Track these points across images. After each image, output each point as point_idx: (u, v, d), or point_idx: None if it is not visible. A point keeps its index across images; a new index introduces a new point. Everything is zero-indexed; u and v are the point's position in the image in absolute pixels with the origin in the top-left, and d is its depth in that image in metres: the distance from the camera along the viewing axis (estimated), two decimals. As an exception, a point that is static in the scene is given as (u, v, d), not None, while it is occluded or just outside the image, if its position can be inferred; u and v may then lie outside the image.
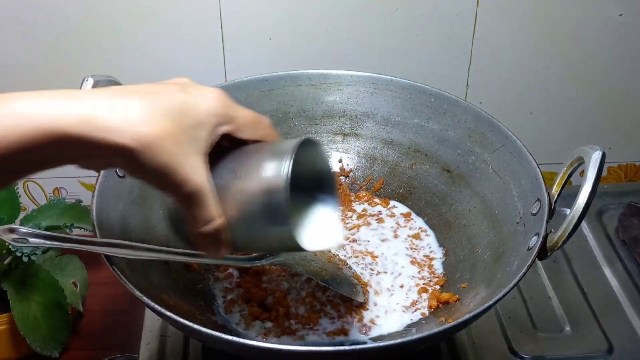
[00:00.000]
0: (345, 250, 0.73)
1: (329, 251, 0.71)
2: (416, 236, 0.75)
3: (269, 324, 0.65)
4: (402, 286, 0.69)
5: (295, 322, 0.65)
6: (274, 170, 0.49)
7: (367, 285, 0.69)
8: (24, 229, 0.55)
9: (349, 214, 0.78)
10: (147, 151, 0.44)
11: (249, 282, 0.69)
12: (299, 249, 0.52)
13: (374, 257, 0.72)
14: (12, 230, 0.55)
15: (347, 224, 0.76)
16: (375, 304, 0.67)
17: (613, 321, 0.76)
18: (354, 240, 0.74)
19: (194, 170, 0.47)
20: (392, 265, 0.71)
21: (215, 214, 0.49)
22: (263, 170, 0.50)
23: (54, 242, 0.56)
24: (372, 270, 0.71)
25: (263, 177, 0.49)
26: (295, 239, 0.51)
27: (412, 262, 0.72)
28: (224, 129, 0.50)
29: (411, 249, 0.73)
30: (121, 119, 0.44)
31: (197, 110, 0.48)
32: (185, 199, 0.48)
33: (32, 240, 0.55)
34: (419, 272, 0.71)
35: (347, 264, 0.70)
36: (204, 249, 0.51)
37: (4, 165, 0.44)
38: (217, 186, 0.49)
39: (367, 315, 0.66)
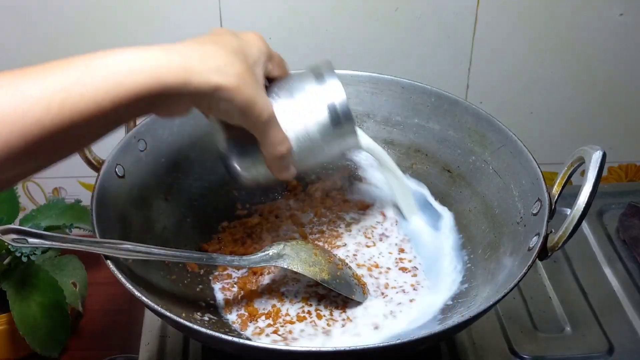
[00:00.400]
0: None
1: (329, 251, 0.71)
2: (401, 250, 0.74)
3: (265, 324, 0.65)
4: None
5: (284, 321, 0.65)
6: (328, 83, 0.61)
7: (366, 285, 0.69)
8: (23, 229, 0.55)
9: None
10: (237, 88, 0.51)
11: (248, 282, 0.69)
12: (357, 145, 0.66)
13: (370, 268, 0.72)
14: (10, 231, 0.55)
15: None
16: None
17: (613, 321, 0.76)
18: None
19: (265, 100, 0.55)
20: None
21: (284, 134, 0.58)
22: (319, 86, 0.61)
23: (54, 242, 0.56)
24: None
25: (320, 90, 0.61)
26: (355, 132, 0.63)
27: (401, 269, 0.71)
28: (269, 66, 0.58)
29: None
30: (211, 64, 0.50)
31: (252, 50, 0.55)
32: (263, 125, 0.55)
33: (31, 240, 0.55)
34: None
35: (346, 263, 0.70)
36: (281, 170, 0.60)
37: (103, 122, 0.47)
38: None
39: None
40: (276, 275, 0.70)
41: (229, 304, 0.67)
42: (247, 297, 0.68)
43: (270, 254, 0.65)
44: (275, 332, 0.64)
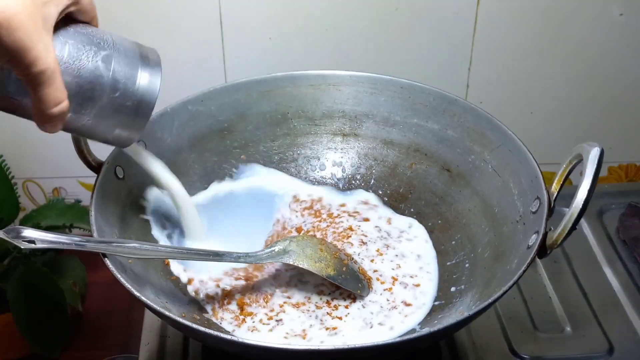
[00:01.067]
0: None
1: (335, 246, 0.71)
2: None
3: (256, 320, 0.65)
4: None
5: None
6: (152, 70, 0.56)
7: (371, 280, 0.68)
8: (30, 231, 0.54)
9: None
10: (6, 26, 0.43)
11: (244, 278, 0.69)
12: (130, 143, 0.58)
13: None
14: (17, 232, 0.53)
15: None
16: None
17: (613, 321, 0.76)
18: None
19: (46, 49, 0.46)
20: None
21: (63, 95, 0.49)
22: (139, 62, 0.55)
23: (61, 243, 0.55)
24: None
25: (138, 66, 0.55)
26: (139, 133, 0.57)
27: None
28: (71, 8, 0.50)
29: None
30: None
31: None
32: (34, 78, 0.46)
33: (39, 242, 0.54)
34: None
35: (352, 257, 0.70)
36: (45, 125, 0.51)
37: None
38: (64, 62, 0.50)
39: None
40: (280, 275, 0.70)
41: (222, 303, 0.67)
42: (241, 296, 0.68)
43: (276, 250, 0.65)
44: (269, 318, 0.64)
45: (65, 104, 0.49)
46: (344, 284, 0.65)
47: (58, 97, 0.48)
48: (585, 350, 0.73)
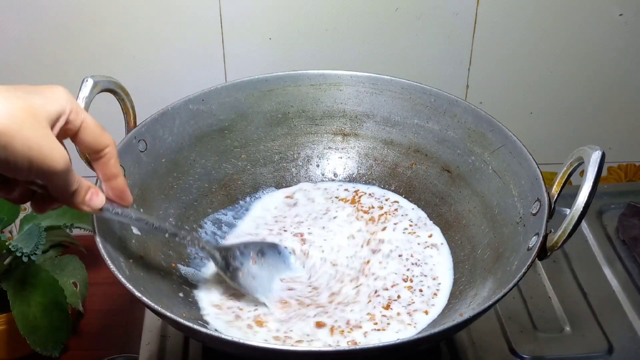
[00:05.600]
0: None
1: None
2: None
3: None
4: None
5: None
6: None
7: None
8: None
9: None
10: (12, 132, 0.44)
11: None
12: None
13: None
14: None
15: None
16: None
17: (613, 321, 0.76)
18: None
19: (58, 146, 0.47)
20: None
21: (83, 183, 0.52)
22: None
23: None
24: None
25: None
26: None
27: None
28: (71, 116, 0.50)
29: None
30: None
31: (45, 94, 0.48)
32: (59, 177, 0.48)
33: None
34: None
35: None
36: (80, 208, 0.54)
37: None
38: None
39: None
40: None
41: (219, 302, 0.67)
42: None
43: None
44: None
45: (98, 202, 0.54)
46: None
47: (92, 203, 0.53)
48: (585, 350, 0.73)
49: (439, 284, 0.69)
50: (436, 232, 0.75)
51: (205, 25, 0.92)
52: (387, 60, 0.96)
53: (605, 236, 0.87)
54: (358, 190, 0.80)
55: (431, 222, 0.76)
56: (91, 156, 0.54)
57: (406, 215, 0.77)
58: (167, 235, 0.62)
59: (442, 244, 0.73)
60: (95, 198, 0.54)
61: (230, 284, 0.66)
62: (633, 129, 1.05)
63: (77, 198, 0.52)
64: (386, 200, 0.78)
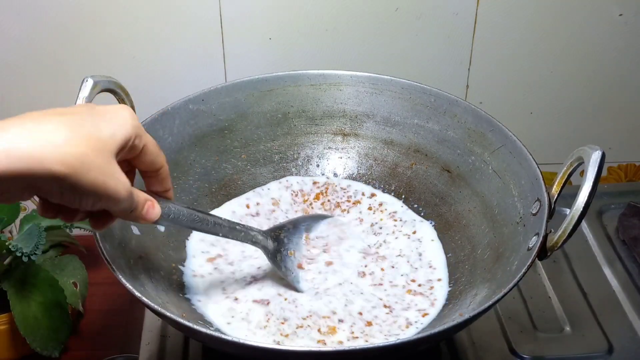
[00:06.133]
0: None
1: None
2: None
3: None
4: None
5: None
6: None
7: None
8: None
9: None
10: (78, 172, 0.43)
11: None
12: None
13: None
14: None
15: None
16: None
17: (613, 321, 0.76)
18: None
19: (119, 176, 0.47)
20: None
21: (145, 196, 0.52)
22: None
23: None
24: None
25: None
26: None
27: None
28: (136, 142, 0.49)
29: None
30: (43, 144, 0.42)
31: (113, 122, 0.47)
32: (123, 203, 0.48)
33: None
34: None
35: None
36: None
37: None
38: None
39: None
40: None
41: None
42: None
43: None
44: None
45: (155, 203, 0.53)
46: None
47: (143, 200, 0.51)
48: (585, 350, 0.73)
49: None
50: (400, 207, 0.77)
51: (205, 25, 0.92)
52: (387, 60, 0.96)
53: (605, 236, 0.87)
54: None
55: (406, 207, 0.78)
56: (144, 173, 0.54)
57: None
58: (220, 235, 0.63)
59: (403, 208, 0.76)
60: (151, 210, 0.53)
61: (279, 273, 0.67)
62: (633, 129, 1.05)
63: (135, 213, 0.51)
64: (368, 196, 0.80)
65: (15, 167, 0.41)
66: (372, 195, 0.79)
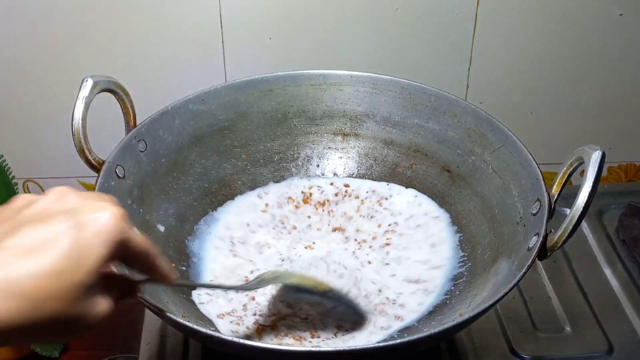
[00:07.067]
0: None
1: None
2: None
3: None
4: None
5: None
6: None
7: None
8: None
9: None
10: (34, 316, 0.38)
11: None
12: None
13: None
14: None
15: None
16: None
17: (613, 321, 0.76)
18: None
19: (98, 304, 0.44)
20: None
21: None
22: None
23: None
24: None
25: None
26: None
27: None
28: (116, 260, 0.44)
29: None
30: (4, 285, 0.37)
31: (92, 233, 0.41)
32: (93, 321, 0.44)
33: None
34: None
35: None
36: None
37: None
38: None
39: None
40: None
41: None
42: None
43: (265, 277, 0.62)
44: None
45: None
46: (341, 297, 0.65)
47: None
48: (585, 350, 0.73)
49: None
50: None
51: (205, 26, 0.92)
52: (387, 60, 0.96)
53: (605, 236, 0.87)
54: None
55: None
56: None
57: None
58: (236, 291, 0.66)
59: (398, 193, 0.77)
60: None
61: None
62: (633, 129, 1.05)
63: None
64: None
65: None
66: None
